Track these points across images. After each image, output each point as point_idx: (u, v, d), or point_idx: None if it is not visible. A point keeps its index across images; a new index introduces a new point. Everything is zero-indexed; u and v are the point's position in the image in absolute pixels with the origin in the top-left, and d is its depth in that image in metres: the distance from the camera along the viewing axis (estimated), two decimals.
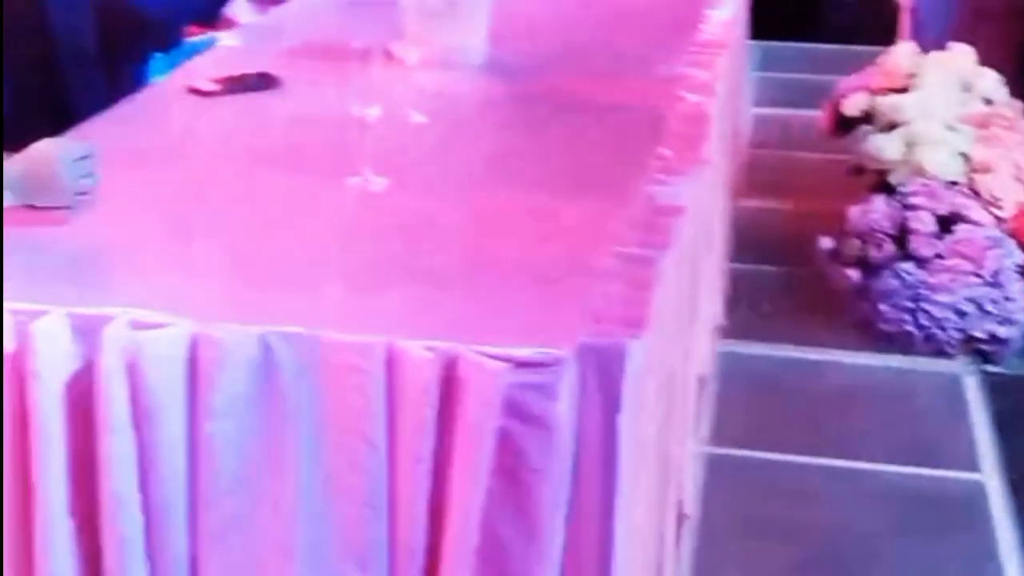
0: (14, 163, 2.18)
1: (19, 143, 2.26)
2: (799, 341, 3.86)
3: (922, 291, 3.73)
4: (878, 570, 2.93)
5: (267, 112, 2.78)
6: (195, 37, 3.75)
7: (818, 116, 4.49)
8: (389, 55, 2.44)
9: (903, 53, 4.38)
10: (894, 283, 3.76)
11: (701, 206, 2.70)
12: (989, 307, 3.71)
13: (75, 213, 2.16)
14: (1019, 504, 3.14)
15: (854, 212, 3.88)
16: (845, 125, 4.21)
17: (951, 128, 4.01)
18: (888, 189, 3.95)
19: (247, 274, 2.03)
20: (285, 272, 2.04)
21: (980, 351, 3.75)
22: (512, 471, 1.76)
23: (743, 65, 4.19)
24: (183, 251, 2.12)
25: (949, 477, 3.27)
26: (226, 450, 1.82)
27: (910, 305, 3.74)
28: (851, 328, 3.86)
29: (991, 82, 4.23)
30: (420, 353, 1.76)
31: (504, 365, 1.73)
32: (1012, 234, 3.83)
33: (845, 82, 4.38)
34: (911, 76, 4.21)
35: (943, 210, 3.80)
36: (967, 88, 4.19)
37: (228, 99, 2.83)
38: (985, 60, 4.30)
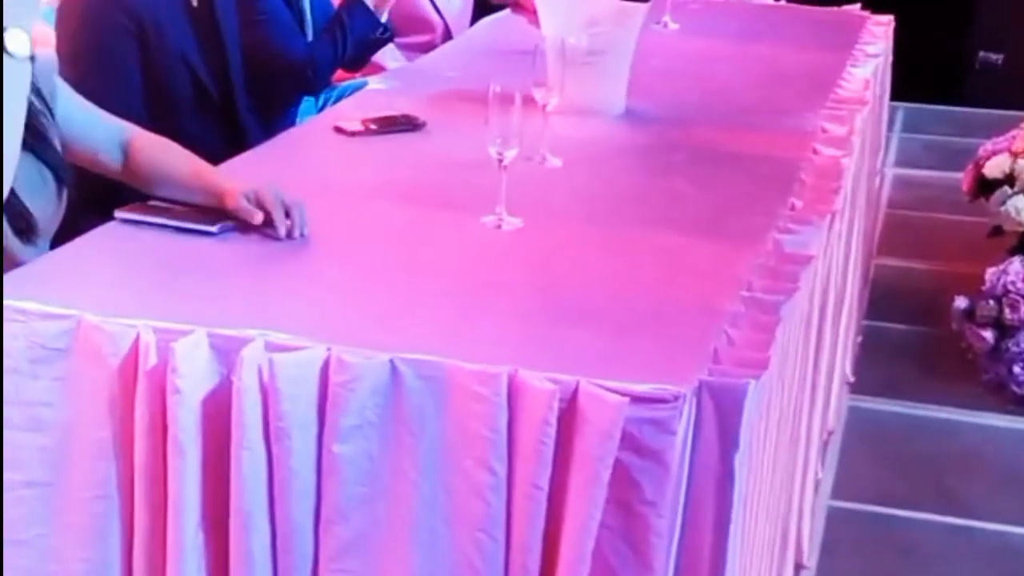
0: None
1: None
2: (930, 400, 3.84)
3: None
4: None
5: (408, 152, 2.85)
6: (345, 81, 3.87)
7: (960, 178, 4.46)
8: (530, 101, 2.50)
9: None
10: None
11: (830, 257, 2.71)
12: None
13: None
14: None
15: (990, 273, 3.86)
16: (986, 187, 4.17)
17: None
18: None
19: (380, 302, 2.10)
20: (417, 302, 2.10)
21: None
22: (626, 503, 1.79)
23: (881, 124, 4.18)
24: (319, 277, 2.20)
25: None
26: (351, 471, 1.86)
27: None
28: (983, 389, 3.84)
29: None
30: (542, 384, 1.79)
31: (623, 399, 1.76)
32: None
33: (988, 145, 4.35)
34: None
35: None
36: None
37: (372, 139, 2.91)
38: None
